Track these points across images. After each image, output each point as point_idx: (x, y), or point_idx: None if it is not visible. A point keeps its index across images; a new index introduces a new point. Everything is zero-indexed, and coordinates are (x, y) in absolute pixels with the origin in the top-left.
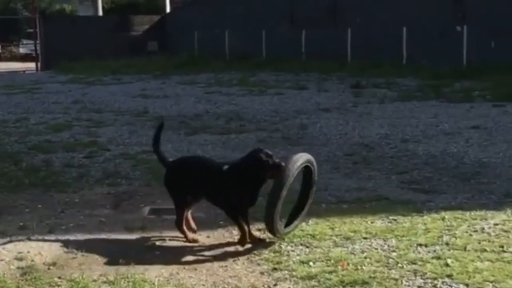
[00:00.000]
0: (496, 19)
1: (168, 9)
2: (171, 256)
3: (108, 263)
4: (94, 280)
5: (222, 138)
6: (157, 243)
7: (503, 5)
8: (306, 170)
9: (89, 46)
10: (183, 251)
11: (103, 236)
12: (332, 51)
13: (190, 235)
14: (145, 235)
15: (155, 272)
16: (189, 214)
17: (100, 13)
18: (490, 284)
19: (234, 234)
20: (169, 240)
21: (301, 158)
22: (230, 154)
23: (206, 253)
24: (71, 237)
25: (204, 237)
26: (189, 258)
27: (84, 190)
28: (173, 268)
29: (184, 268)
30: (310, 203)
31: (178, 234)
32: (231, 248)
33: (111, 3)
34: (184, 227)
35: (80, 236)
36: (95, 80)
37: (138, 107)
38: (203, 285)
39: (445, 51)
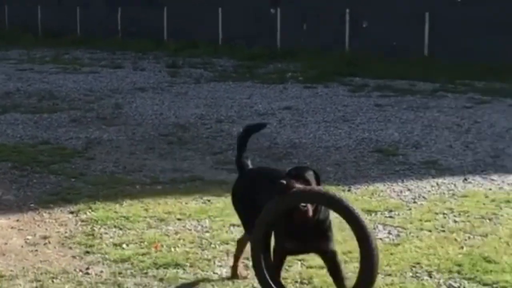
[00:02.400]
0: (307, 2)
1: None
2: None
3: None
4: None
5: (34, 117)
6: None
7: None
8: None
9: None
10: None
11: None
12: (148, 30)
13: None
14: None
15: None
16: None
17: None
18: (299, 262)
19: (45, 217)
20: None
21: None
22: (41, 134)
23: (15, 237)
24: None
25: (13, 221)
26: None
27: None
28: None
29: None
30: None
31: None
32: (41, 231)
33: None
34: None
35: None
36: None
37: None
38: (11, 270)
39: (259, 32)
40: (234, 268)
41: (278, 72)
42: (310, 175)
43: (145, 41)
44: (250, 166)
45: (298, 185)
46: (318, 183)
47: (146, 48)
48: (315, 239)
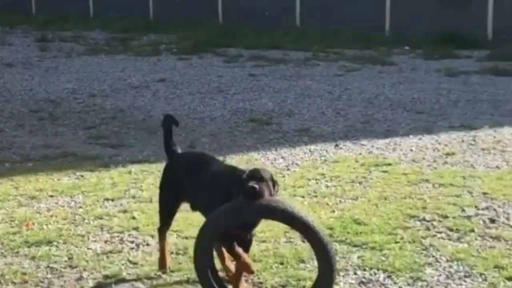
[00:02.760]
0: None
1: None
2: None
3: None
4: None
5: None
6: None
7: None
8: None
9: None
10: None
11: None
12: (15, 3)
13: None
14: None
15: None
16: None
17: None
18: (174, 234)
19: None
20: None
21: None
22: None
23: None
24: None
25: None
26: None
27: None
28: None
29: None
30: None
31: None
32: None
33: None
34: None
35: None
36: None
37: None
38: None
39: (132, 4)
40: (163, 259)
41: (152, 44)
42: (270, 179)
43: (13, 14)
44: (179, 152)
45: (266, 194)
46: (274, 186)
47: (14, 22)
48: None
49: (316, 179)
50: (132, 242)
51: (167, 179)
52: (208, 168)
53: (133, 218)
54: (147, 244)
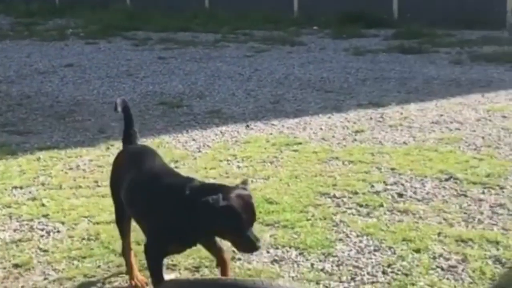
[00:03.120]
0: None
1: None
2: None
3: None
4: None
5: None
6: None
7: None
8: None
9: None
10: None
11: None
12: None
13: None
14: None
15: None
16: None
17: None
18: (86, 219)
19: None
20: None
21: None
22: None
23: None
24: None
25: None
26: None
27: None
28: None
29: None
30: None
31: None
32: None
33: None
34: None
35: None
36: None
37: None
38: None
39: None
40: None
41: (58, 28)
42: None
43: None
44: (138, 143)
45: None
46: None
47: None
48: None
49: (228, 160)
50: (42, 229)
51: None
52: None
53: (43, 205)
54: (58, 231)
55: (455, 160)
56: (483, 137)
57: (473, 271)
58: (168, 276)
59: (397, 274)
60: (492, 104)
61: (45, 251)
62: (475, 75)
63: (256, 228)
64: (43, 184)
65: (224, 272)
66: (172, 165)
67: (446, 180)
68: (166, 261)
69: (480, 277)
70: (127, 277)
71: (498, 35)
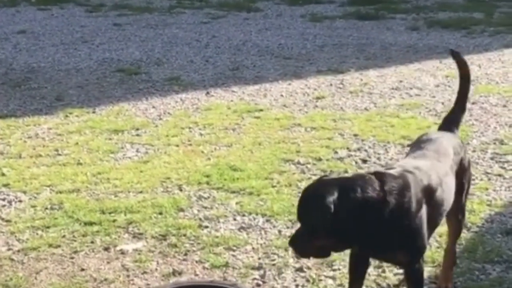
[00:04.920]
0: None
1: None
2: None
3: None
4: None
5: None
6: None
7: None
8: None
9: None
10: None
11: None
12: None
13: None
14: None
15: None
16: None
17: None
18: (48, 188)
19: None
20: None
21: None
22: None
23: None
24: None
25: None
26: None
27: None
28: None
29: None
30: None
31: None
32: None
33: None
34: None
35: None
36: None
37: None
38: None
39: None
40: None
41: None
42: None
43: None
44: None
45: None
46: None
47: None
48: None
49: (190, 128)
50: (3, 199)
51: None
52: None
53: (3, 174)
54: (20, 201)
55: (416, 126)
56: (443, 103)
57: (440, 236)
58: (134, 245)
59: None
60: (450, 70)
61: (7, 221)
62: (432, 41)
63: (222, 196)
64: (1, 153)
65: None
66: (133, 133)
67: (409, 146)
68: (132, 229)
69: (446, 241)
70: (93, 246)
71: (453, 1)
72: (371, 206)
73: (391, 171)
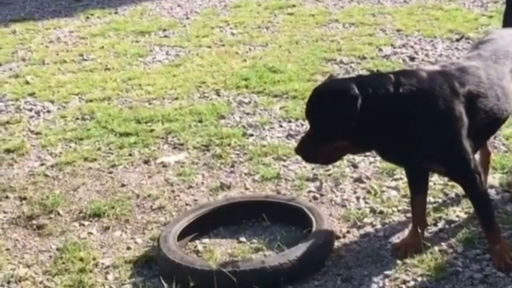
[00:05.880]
0: None
1: None
2: None
3: None
4: None
5: None
6: None
7: None
8: None
9: None
10: None
11: None
12: None
13: None
14: None
15: None
16: None
17: None
18: (76, 97)
19: None
20: None
21: None
22: None
23: None
24: None
25: None
26: None
27: None
28: None
29: None
30: None
31: None
32: None
33: None
34: None
35: None
36: None
37: None
38: None
39: None
40: None
41: None
42: None
43: None
44: None
45: None
46: None
47: None
48: None
49: (220, 27)
50: (30, 109)
51: None
52: None
53: (27, 83)
54: (48, 111)
55: (463, 19)
56: None
57: (507, 139)
58: (175, 157)
59: None
60: None
61: (37, 133)
62: None
63: (264, 101)
64: (23, 60)
65: None
66: (161, 34)
67: (458, 40)
68: (172, 139)
69: None
70: (131, 159)
71: None
72: (385, 103)
73: (421, 72)
